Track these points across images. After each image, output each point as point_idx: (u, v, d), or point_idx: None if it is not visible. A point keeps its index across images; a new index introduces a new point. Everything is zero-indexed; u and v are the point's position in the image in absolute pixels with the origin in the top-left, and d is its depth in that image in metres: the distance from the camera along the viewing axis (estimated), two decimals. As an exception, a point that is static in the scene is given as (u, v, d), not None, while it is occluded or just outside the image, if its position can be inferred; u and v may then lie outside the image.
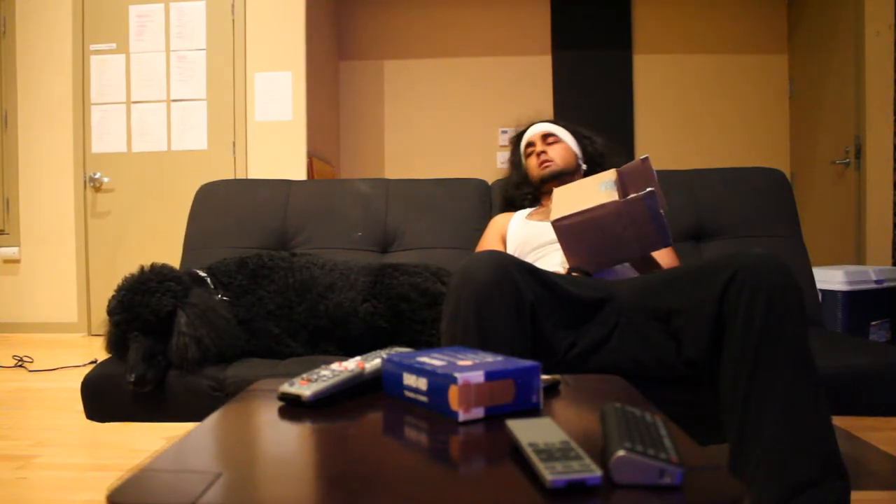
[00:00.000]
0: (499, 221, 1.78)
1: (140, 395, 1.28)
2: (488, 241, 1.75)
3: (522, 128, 1.92)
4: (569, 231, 1.34)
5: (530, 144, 1.83)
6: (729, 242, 1.81)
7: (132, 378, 1.23)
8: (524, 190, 1.83)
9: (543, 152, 1.77)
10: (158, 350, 1.29)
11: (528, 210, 1.79)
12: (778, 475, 0.94)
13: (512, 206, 1.87)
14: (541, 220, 1.67)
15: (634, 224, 1.30)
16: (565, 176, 1.76)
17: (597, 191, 1.35)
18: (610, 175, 1.39)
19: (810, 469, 0.93)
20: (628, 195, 1.32)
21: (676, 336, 1.14)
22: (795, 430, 0.96)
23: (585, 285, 1.26)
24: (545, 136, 1.80)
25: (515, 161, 1.92)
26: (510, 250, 1.67)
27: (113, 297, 1.33)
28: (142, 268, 1.37)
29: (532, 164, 1.81)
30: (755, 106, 4.50)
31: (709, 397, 1.11)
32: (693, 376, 1.14)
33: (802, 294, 1.05)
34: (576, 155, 1.79)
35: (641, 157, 1.38)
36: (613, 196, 1.31)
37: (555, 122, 1.86)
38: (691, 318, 1.11)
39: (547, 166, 1.76)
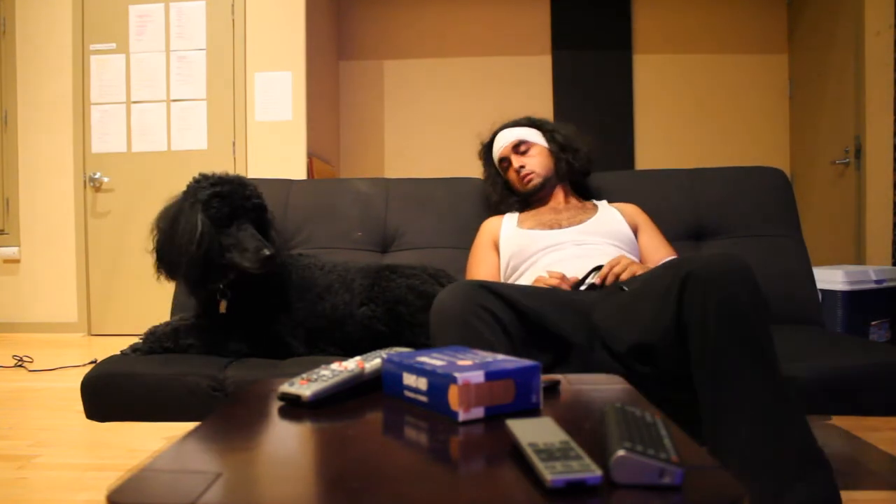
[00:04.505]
0: (490, 226, 1.75)
1: (139, 395, 1.28)
2: (481, 248, 1.73)
3: (488, 138, 1.86)
4: None
5: (504, 160, 1.78)
6: (729, 242, 1.81)
7: (270, 252, 1.30)
8: (511, 200, 1.80)
9: (522, 167, 1.73)
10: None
11: (518, 213, 1.77)
12: (759, 479, 0.93)
13: (499, 212, 1.83)
14: (531, 229, 1.65)
15: None
16: (551, 182, 1.75)
17: None
18: None
19: (789, 467, 0.92)
20: None
21: (648, 354, 1.14)
22: (767, 431, 0.94)
23: (561, 310, 1.25)
24: (516, 147, 1.76)
25: (492, 173, 1.85)
26: (504, 260, 1.65)
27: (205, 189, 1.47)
28: None
29: (514, 179, 1.78)
30: (755, 106, 4.50)
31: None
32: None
33: (759, 290, 1.02)
34: (550, 153, 1.77)
35: None
36: None
37: (517, 123, 1.81)
38: (655, 335, 1.11)
39: (530, 180, 1.73)
